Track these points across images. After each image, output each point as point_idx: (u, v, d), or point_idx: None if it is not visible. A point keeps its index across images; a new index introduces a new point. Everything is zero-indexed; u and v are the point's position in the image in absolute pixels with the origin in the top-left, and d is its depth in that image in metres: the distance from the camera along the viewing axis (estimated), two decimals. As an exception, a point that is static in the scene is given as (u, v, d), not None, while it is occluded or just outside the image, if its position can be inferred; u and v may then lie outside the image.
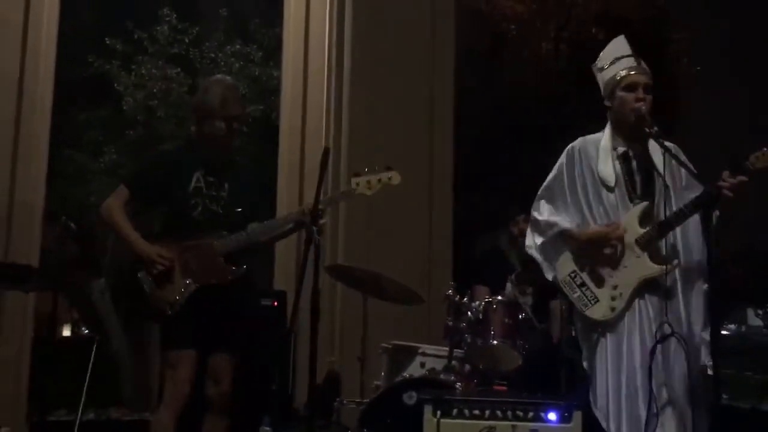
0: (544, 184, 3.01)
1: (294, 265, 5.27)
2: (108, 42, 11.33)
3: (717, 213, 2.70)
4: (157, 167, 3.20)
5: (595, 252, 2.84)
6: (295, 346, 4.14)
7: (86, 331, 6.24)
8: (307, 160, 5.58)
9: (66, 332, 6.23)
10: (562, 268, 2.91)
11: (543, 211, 2.95)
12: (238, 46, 11.98)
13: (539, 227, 2.95)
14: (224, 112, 3.05)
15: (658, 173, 2.80)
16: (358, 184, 3.05)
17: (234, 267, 3.02)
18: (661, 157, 2.77)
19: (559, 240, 2.91)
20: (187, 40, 11.87)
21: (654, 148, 2.83)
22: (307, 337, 2.72)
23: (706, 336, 2.71)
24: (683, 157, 2.84)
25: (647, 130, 2.77)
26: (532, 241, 2.97)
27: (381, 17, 5.06)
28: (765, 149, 2.60)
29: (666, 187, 2.77)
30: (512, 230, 4.22)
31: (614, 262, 2.81)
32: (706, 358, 2.68)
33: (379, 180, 3.07)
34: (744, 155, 2.64)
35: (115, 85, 11.79)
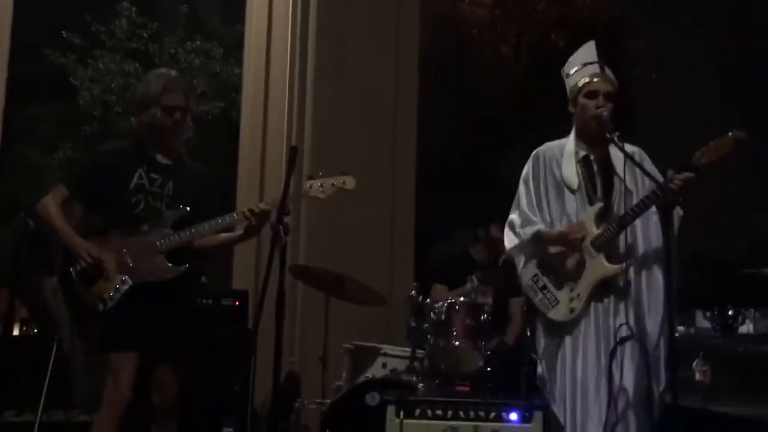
0: (518, 191, 3.06)
1: (254, 264, 5.22)
2: (65, 35, 11.09)
3: (680, 213, 2.77)
4: (97, 165, 3.09)
5: (557, 254, 2.89)
6: (255, 346, 4.10)
7: (35, 331, 6.09)
8: (268, 158, 5.53)
9: (15, 331, 6.06)
10: (526, 273, 2.96)
11: (518, 218, 3.01)
12: (198, 42, 11.84)
13: (516, 233, 3.00)
14: (165, 102, 2.95)
15: (619, 177, 2.86)
16: (311, 187, 2.98)
17: (175, 265, 2.91)
18: (621, 162, 2.83)
19: (533, 243, 2.95)
20: (146, 35, 11.69)
21: (616, 152, 2.89)
22: (266, 337, 2.69)
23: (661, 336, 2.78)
24: (648, 161, 2.90)
25: (608, 135, 2.83)
26: (512, 244, 3.01)
27: (345, 15, 5.05)
28: (710, 143, 2.66)
29: (627, 190, 2.82)
30: (479, 234, 4.24)
31: (573, 264, 2.85)
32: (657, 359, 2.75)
33: (333, 184, 3.01)
34: (691, 155, 2.70)
35: (71, 79, 11.53)
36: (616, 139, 2.79)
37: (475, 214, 4.40)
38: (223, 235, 3.08)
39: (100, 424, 2.82)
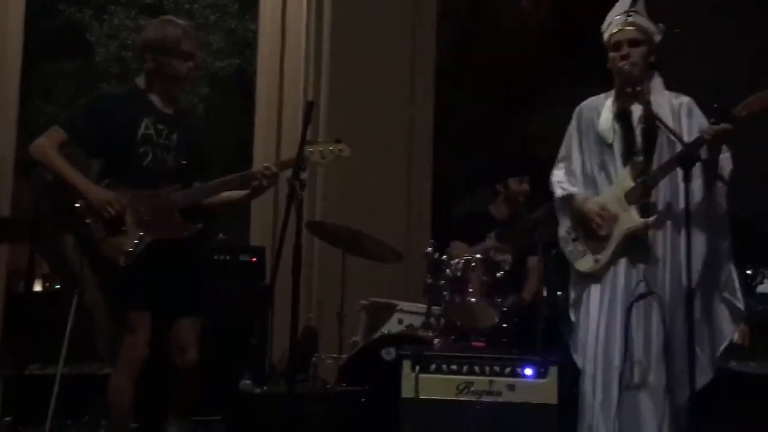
0: (562, 146, 3.05)
1: (271, 220, 5.24)
2: (80, -10, 11.00)
3: (729, 166, 2.70)
4: (100, 110, 2.88)
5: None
6: (272, 301, 4.14)
7: (58, 286, 6.18)
8: (284, 114, 5.51)
9: (37, 287, 6.16)
10: (561, 224, 2.99)
11: (557, 173, 3.02)
12: (213, -2, 11.69)
13: (553, 186, 3.02)
14: (184, 47, 2.88)
15: (660, 130, 2.78)
16: (311, 152, 2.87)
17: (190, 222, 2.87)
18: (668, 112, 2.77)
19: (566, 201, 2.97)
20: (161, -10, 11.54)
21: (662, 101, 2.82)
22: (284, 293, 2.70)
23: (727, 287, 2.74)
24: (697, 112, 2.82)
25: (629, 90, 2.78)
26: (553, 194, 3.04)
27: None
28: (753, 95, 2.59)
29: (670, 142, 2.76)
30: (498, 189, 4.20)
31: (606, 217, 2.83)
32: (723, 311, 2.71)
33: (331, 151, 2.90)
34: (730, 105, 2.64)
35: (88, 35, 11.47)
36: (636, 94, 2.74)
37: (495, 172, 4.35)
38: (227, 193, 2.99)
39: (118, 381, 2.82)
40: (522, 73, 12.57)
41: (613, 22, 2.89)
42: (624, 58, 2.81)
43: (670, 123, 2.75)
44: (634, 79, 2.78)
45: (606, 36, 2.91)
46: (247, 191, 2.98)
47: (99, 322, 3.49)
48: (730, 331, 2.78)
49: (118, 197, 2.77)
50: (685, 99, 2.84)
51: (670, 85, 2.91)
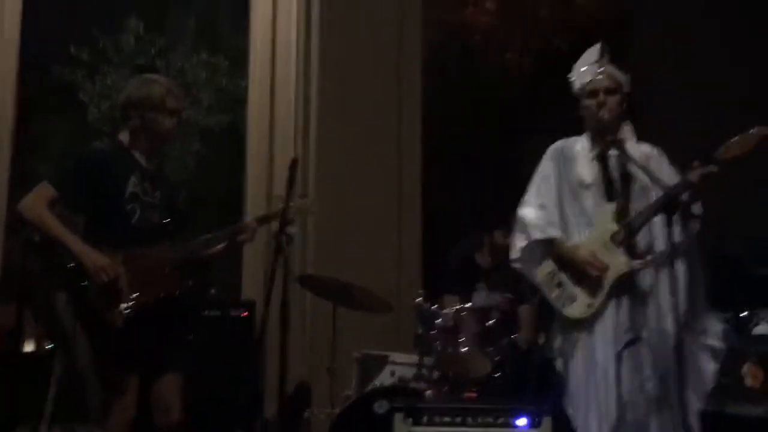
0: (530, 186, 3.04)
1: (263, 274, 5.24)
2: (73, 51, 11.17)
3: (699, 211, 2.74)
4: (90, 167, 2.88)
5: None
6: (264, 356, 4.11)
7: (49, 347, 6.11)
8: (275, 168, 5.56)
9: (29, 347, 6.09)
10: (542, 269, 2.95)
11: (531, 214, 2.99)
12: (204, 56, 11.89)
13: (527, 230, 2.97)
14: (169, 104, 2.91)
15: (633, 175, 2.85)
16: (285, 208, 2.88)
17: (182, 280, 2.88)
18: (637, 159, 2.83)
19: (543, 244, 2.94)
20: (153, 51, 11.74)
21: (633, 149, 2.89)
22: (276, 347, 2.70)
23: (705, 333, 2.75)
24: (665, 159, 2.89)
25: (608, 139, 2.85)
26: (518, 244, 2.99)
27: (348, 25, 5.08)
28: (733, 139, 2.66)
29: (644, 187, 2.81)
30: (484, 239, 4.24)
31: (600, 266, 2.84)
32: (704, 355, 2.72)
33: (302, 207, 3.07)
34: (707, 150, 2.70)
35: (80, 95, 11.62)
36: (619, 142, 2.80)
37: (482, 218, 4.40)
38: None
39: None
40: (506, 120, 12.77)
41: (587, 72, 2.97)
42: (601, 105, 2.88)
43: (637, 169, 2.81)
44: (611, 126, 2.86)
45: (579, 84, 2.98)
46: (225, 244, 2.99)
47: (90, 383, 3.46)
48: (712, 370, 2.78)
49: (114, 261, 2.74)
50: (654, 149, 2.91)
51: (658, 126, 2.98)
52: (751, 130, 2.66)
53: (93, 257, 2.72)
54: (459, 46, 13.84)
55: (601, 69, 2.96)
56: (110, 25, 11.51)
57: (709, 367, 2.77)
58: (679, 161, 2.91)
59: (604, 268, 2.79)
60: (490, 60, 14.00)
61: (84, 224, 2.85)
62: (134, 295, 2.75)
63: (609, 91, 2.91)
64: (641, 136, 3.00)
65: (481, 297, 4.33)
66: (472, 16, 14.28)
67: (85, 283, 2.72)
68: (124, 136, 2.99)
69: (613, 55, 3.02)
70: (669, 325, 2.75)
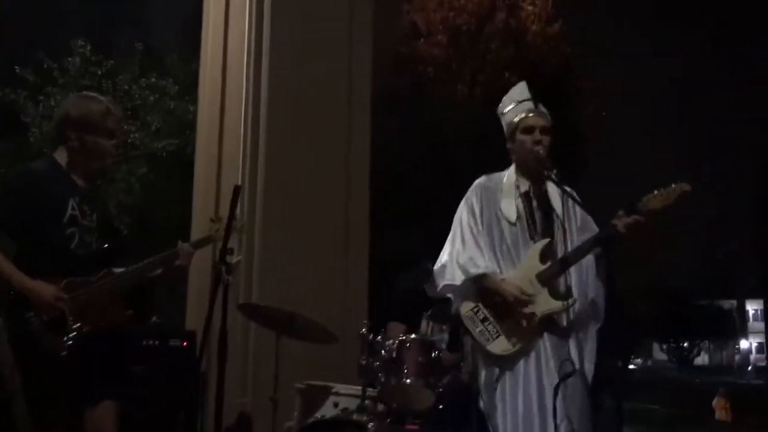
0: (458, 222, 3.05)
1: (206, 304, 5.14)
2: (17, 71, 10.93)
3: (612, 253, 2.82)
4: (24, 187, 2.72)
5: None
6: (204, 387, 4.01)
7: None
8: (222, 193, 5.49)
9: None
10: (466, 305, 2.95)
11: (461, 251, 2.97)
12: (153, 80, 11.78)
13: (458, 267, 2.96)
14: (109, 124, 2.80)
15: (556, 213, 2.91)
16: (218, 230, 2.90)
17: (122, 309, 2.78)
18: (559, 198, 2.88)
19: (473, 280, 2.94)
20: (100, 72, 11.58)
21: (552, 188, 2.94)
22: (216, 378, 2.63)
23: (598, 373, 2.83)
24: (577, 199, 2.96)
25: (546, 172, 2.89)
26: (444, 276, 2.99)
27: (299, 53, 5.09)
28: (656, 191, 2.74)
29: (564, 227, 2.86)
30: (430, 268, 4.24)
31: (526, 302, 2.86)
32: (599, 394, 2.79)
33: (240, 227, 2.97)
34: (639, 197, 2.78)
35: (21, 116, 11.35)
36: (554, 176, 2.85)
37: (431, 249, 4.40)
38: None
39: None
40: (457, 152, 12.94)
41: (520, 107, 3.02)
42: (538, 142, 2.94)
43: (560, 208, 2.87)
44: (547, 163, 2.90)
45: (513, 119, 3.02)
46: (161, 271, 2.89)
47: (18, 413, 3.29)
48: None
49: (57, 292, 2.63)
50: (568, 188, 2.97)
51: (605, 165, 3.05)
52: (674, 185, 2.74)
53: (38, 291, 2.61)
54: (410, 77, 14.06)
55: (537, 107, 3.01)
56: (56, 46, 11.35)
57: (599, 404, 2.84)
58: (609, 204, 2.99)
59: (528, 303, 2.82)
60: (441, 91, 14.25)
61: (17, 248, 2.70)
62: (76, 325, 2.65)
63: (545, 130, 2.97)
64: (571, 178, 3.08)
65: (428, 327, 4.32)
66: (424, 48, 14.54)
67: (29, 315, 2.60)
68: (60, 156, 2.85)
69: (556, 93, 3.10)
70: (586, 362, 2.82)
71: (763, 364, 46.16)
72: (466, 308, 2.95)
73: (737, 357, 51.48)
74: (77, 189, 2.82)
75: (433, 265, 4.34)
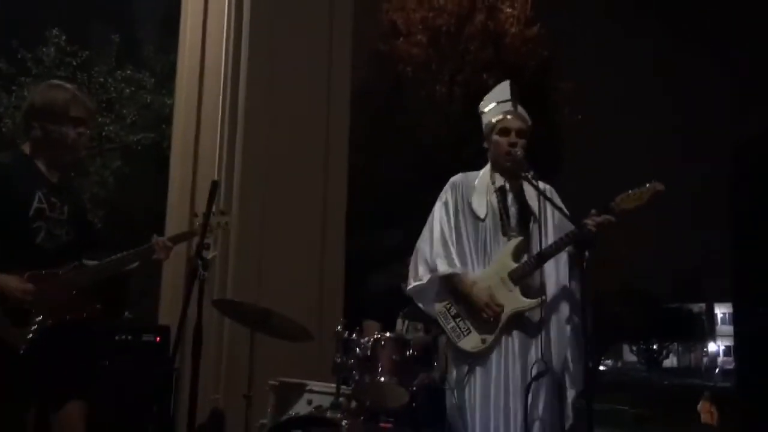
0: (430, 219, 3.07)
1: (181, 299, 5.09)
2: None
3: (587, 254, 2.84)
4: None
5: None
6: (178, 383, 3.98)
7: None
8: (198, 190, 5.45)
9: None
10: (439, 300, 2.97)
11: (432, 249, 2.99)
12: (129, 72, 11.65)
13: (429, 263, 2.98)
14: (73, 113, 2.71)
15: (533, 211, 2.93)
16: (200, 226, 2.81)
17: (90, 303, 2.73)
18: (535, 196, 2.90)
19: (444, 279, 2.96)
20: (75, 63, 11.43)
21: (529, 187, 2.96)
22: (190, 374, 2.61)
23: (574, 370, 2.84)
24: (557, 198, 2.99)
25: (522, 174, 2.91)
26: (418, 276, 3.00)
27: (278, 47, 5.06)
28: (630, 191, 2.77)
29: (540, 225, 2.89)
30: (405, 271, 4.25)
31: (488, 296, 2.88)
32: (570, 393, 2.81)
33: (218, 223, 2.88)
34: (612, 197, 2.80)
35: (-6, 105, 11.16)
36: (530, 177, 2.87)
37: (408, 248, 4.40)
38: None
39: None
40: (435, 152, 12.99)
41: (498, 108, 3.04)
42: (514, 144, 2.96)
43: (536, 206, 2.89)
44: (524, 165, 2.92)
45: (491, 119, 3.04)
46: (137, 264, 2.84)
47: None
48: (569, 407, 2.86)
49: (21, 283, 2.56)
50: (546, 185, 2.99)
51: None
52: (647, 184, 2.77)
53: (5, 282, 2.54)
54: (390, 75, 14.07)
55: (514, 109, 3.03)
56: (31, 36, 11.17)
57: (569, 403, 2.86)
58: (588, 202, 3.01)
59: (499, 312, 2.83)
60: (420, 91, 14.28)
61: None
62: (38, 318, 2.59)
63: (521, 133, 3.00)
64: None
65: (403, 326, 4.32)
66: (403, 47, 14.56)
67: None
68: (27, 147, 2.80)
69: (534, 95, 3.12)
70: (556, 362, 2.84)
71: (731, 366, 46.97)
72: (439, 305, 2.97)
73: (705, 359, 52.30)
74: (45, 181, 2.75)
75: (405, 263, 4.35)
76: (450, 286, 2.95)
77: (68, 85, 2.87)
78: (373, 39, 13.62)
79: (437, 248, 2.97)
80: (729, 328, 51.80)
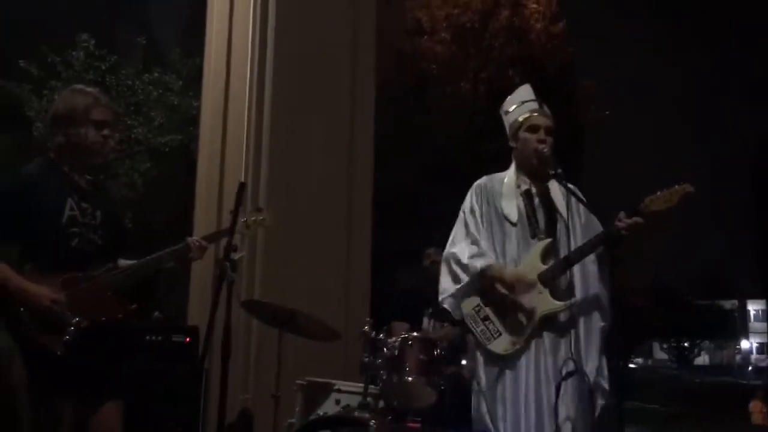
0: (457, 224, 3.06)
1: (209, 300, 5.14)
2: (22, 65, 10.94)
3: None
4: (21, 192, 2.68)
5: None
6: (207, 383, 4.02)
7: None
8: (225, 191, 5.49)
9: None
10: (468, 303, 2.96)
11: (464, 251, 2.97)
12: (156, 74, 11.78)
13: (463, 267, 2.95)
14: (95, 116, 2.74)
15: (559, 212, 2.90)
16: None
17: (125, 303, 2.77)
18: (561, 197, 2.88)
19: (477, 276, 2.94)
20: (103, 67, 11.59)
21: (555, 187, 2.94)
22: (219, 374, 2.63)
23: (601, 373, 2.82)
24: (580, 196, 2.96)
25: (551, 171, 2.89)
26: (450, 284, 2.99)
27: (302, 49, 5.09)
28: (659, 193, 2.74)
29: (567, 226, 2.86)
30: (424, 264, 4.25)
31: (518, 298, 2.86)
32: (599, 393, 2.78)
33: (254, 220, 2.92)
34: (641, 198, 2.77)
35: (26, 110, 11.35)
36: (559, 174, 2.85)
37: (431, 245, 4.41)
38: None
39: None
40: (461, 150, 12.94)
41: (525, 106, 3.03)
42: (542, 141, 2.94)
43: (563, 207, 2.86)
44: (552, 162, 2.90)
45: (518, 117, 3.02)
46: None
47: (23, 414, 3.29)
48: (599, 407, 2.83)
49: (53, 289, 2.60)
50: (571, 186, 2.96)
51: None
52: (676, 186, 2.74)
53: (34, 292, 2.58)
54: (414, 74, 14.05)
55: (541, 108, 3.02)
56: (61, 40, 11.35)
57: (599, 404, 2.83)
58: (612, 202, 2.98)
59: (525, 291, 2.80)
60: (445, 88, 14.24)
61: (19, 251, 2.68)
62: (74, 320, 2.64)
63: (549, 131, 2.98)
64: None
65: (430, 325, 4.33)
66: (428, 44, 14.53)
67: (23, 312, 2.58)
68: (52, 154, 2.82)
69: (559, 92, 3.11)
70: (589, 361, 2.81)
71: (764, 364, 46.11)
72: (468, 306, 2.95)
73: (738, 357, 51.46)
74: (75, 187, 2.79)
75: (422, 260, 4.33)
76: (482, 284, 2.92)
77: (89, 89, 2.90)
78: (397, 37, 13.61)
79: (472, 249, 2.95)
80: (762, 325, 51.00)
